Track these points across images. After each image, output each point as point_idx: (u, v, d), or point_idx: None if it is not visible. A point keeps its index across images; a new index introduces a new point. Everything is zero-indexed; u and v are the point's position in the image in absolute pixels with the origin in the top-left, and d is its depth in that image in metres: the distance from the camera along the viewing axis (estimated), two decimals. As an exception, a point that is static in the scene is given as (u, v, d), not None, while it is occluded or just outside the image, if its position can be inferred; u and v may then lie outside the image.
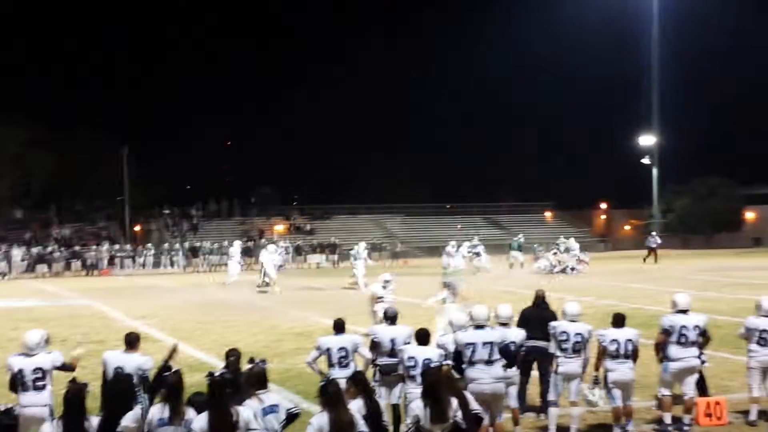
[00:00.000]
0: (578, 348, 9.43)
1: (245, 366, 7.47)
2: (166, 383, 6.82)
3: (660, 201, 60.07)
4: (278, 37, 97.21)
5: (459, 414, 6.89)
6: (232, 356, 8.26)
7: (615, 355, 9.29)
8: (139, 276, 41.47)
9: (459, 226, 57.89)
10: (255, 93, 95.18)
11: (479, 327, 8.94)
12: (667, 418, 9.52)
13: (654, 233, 44.89)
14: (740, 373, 10.83)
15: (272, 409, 6.87)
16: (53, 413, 7.89)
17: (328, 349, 9.15)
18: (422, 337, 8.84)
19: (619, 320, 9.54)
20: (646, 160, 57.30)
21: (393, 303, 13.74)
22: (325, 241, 51.65)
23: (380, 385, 9.19)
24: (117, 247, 47.75)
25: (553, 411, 9.52)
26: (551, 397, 9.60)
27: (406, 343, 9.11)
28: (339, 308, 16.67)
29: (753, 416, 9.76)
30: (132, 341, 8.51)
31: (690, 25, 60.38)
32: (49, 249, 45.15)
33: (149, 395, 7.64)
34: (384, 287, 16.19)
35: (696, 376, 9.77)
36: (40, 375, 8.09)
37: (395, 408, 9.19)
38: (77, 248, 46.50)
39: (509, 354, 8.99)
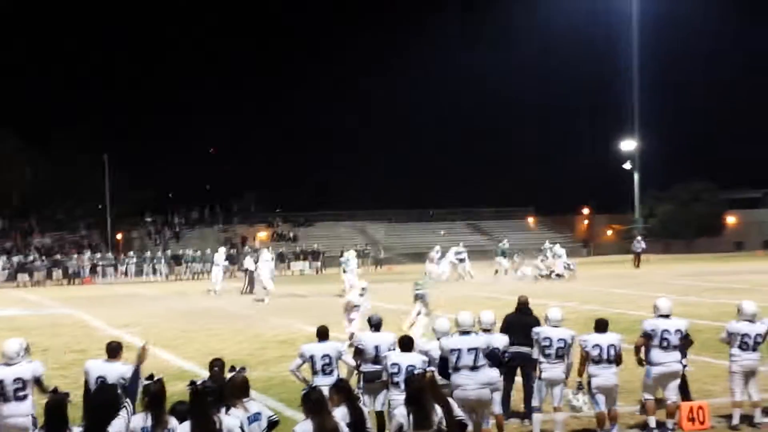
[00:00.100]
0: (561, 353, 9.45)
1: (229, 375, 7.44)
2: (148, 392, 6.78)
3: (642, 206, 60.38)
4: (278, 37, 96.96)
5: (443, 421, 6.89)
6: (216, 366, 8.23)
7: (598, 361, 9.32)
8: (121, 284, 41.25)
9: (443, 232, 57.95)
10: (255, 93, 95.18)
11: (465, 333, 8.95)
12: (652, 422, 9.56)
13: (639, 238, 45.14)
14: (722, 377, 10.88)
15: (256, 417, 6.87)
16: (36, 423, 7.82)
17: (311, 357, 9.14)
18: (406, 343, 8.84)
19: (601, 325, 9.57)
20: (627, 165, 57.54)
21: (370, 310, 13.79)
22: (309, 248, 51.58)
23: (364, 393, 9.19)
24: (99, 255, 47.49)
25: (536, 417, 9.54)
26: (535, 402, 9.62)
27: (390, 350, 9.11)
28: (322, 315, 16.64)
29: (735, 420, 9.80)
30: (114, 350, 8.45)
31: (670, 28, 60.78)
32: (30, 258, 44.85)
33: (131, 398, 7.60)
34: (361, 295, 16.29)
35: (678, 380, 9.81)
36: (20, 385, 7.98)
37: (379, 415, 9.19)
38: (58, 257, 46.21)
39: (496, 358, 9.05)
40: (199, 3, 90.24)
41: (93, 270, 44.80)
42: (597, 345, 9.36)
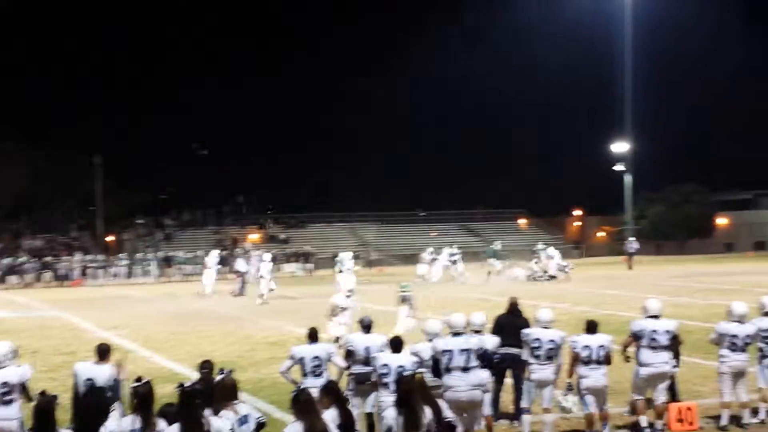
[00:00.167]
0: (551, 355, 9.46)
1: (218, 377, 7.43)
2: (137, 394, 6.76)
3: (634, 208, 60.51)
4: (278, 37, 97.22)
5: (433, 422, 6.88)
6: (205, 369, 8.21)
7: (587, 362, 9.33)
8: (112, 286, 41.11)
9: (435, 233, 57.97)
10: (255, 93, 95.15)
11: (457, 334, 8.95)
12: (643, 421, 9.56)
13: (632, 239, 45.26)
14: (711, 378, 10.90)
15: (245, 419, 6.87)
16: (23, 427, 7.78)
17: (301, 359, 9.12)
18: (396, 345, 8.84)
19: (591, 327, 9.58)
20: (619, 167, 57.63)
21: (360, 312, 13.81)
22: (300, 250, 51.51)
23: (354, 394, 9.18)
24: (89, 257, 47.32)
25: (526, 418, 9.54)
26: (524, 404, 9.62)
27: (380, 352, 9.11)
28: (313, 317, 16.60)
29: (724, 421, 9.83)
30: (103, 352, 8.43)
31: (663, 30, 61.07)
32: (20, 260, 44.67)
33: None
34: (348, 296, 16.31)
35: (668, 381, 9.83)
36: (7, 389, 7.93)
37: (369, 417, 9.18)
38: (49, 259, 46.03)
39: (488, 358, 9.07)
40: (199, 3, 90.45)
41: (83, 272, 44.66)
42: (587, 346, 9.36)
